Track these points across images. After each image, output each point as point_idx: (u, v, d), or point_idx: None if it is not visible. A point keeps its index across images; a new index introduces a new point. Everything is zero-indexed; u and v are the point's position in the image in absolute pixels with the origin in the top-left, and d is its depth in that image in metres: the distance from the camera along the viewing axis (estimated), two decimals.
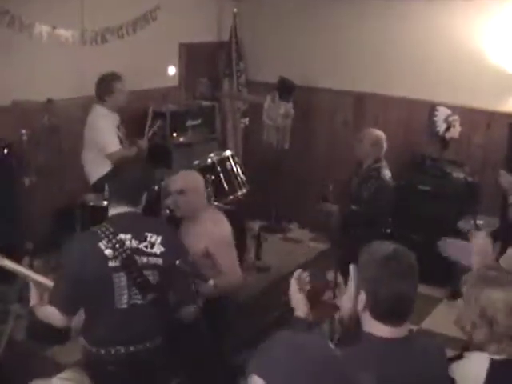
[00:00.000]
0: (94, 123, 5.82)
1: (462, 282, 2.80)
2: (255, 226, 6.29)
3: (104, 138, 5.78)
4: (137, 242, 3.34)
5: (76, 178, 6.02)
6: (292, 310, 2.83)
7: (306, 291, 2.87)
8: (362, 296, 2.43)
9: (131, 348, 3.36)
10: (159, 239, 3.41)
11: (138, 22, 6.84)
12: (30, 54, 5.85)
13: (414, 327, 3.07)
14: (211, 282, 3.67)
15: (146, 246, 3.37)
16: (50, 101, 5.47)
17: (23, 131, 5.16)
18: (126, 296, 3.30)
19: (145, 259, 3.34)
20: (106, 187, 3.57)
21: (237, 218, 5.69)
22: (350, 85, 7.50)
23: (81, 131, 5.87)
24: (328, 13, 7.44)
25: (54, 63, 6.03)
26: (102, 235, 3.28)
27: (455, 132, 6.79)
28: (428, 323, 5.74)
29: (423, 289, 2.50)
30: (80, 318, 3.43)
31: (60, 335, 4.36)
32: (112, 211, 3.47)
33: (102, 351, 3.33)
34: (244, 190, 5.97)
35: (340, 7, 7.35)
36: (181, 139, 6.94)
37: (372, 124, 7.21)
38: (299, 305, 2.80)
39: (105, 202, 5.18)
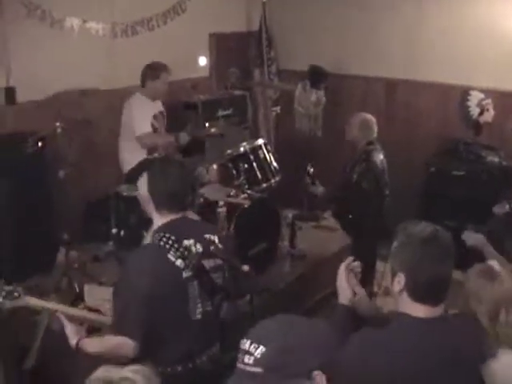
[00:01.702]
0: (128, 108, 5.86)
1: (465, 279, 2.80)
2: (289, 214, 6.29)
3: (134, 122, 5.78)
4: (200, 245, 3.19)
5: (110, 170, 6.09)
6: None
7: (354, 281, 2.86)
8: (401, 278, 2.42)
9: (203, 357, 3.21)
10: (216, 238, 3.30)
11: (168, 14, 6.88)
12: (61, 48, 5.92)
13: None
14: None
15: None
16: (82, 93, 5.52)
17: (57, 124, 5.20)
18: (199, 305, 3.16)
19: (212, 262, 3.21)
20: (150, 196, 3.24)
21: (270, 205, 5.71)
22: (382, 71, 7.45)
23: (113, 123, 5.93)
24: None
25: (85, 56, 6.09)
26: (167, 246, 3.08)
27: (489, 116, 6.70)
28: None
29: (456, 274, 2.48)
30: None
31: None
32: (163, 220, 3.22)
33: (179, 368, 3.13)
34: (277, 178, 5.99)
35: None
36: (213, 129, 6.96)
37: (404, 110, 7.18)
38: (344, 291, 2.79)
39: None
